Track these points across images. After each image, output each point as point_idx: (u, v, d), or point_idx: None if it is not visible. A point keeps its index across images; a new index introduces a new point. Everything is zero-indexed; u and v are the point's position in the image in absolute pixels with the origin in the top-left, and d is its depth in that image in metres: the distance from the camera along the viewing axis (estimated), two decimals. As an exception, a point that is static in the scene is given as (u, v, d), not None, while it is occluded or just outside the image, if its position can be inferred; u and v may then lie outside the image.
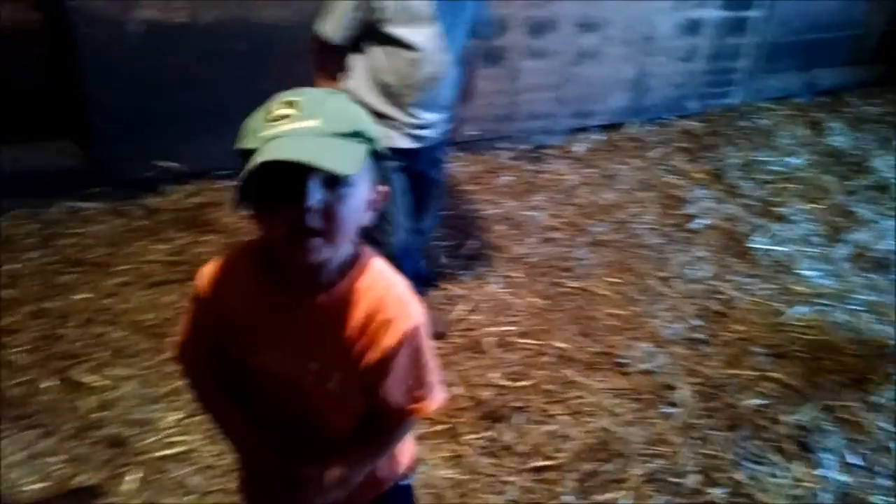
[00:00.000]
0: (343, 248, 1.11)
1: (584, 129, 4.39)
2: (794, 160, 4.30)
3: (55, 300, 2.84)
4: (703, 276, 3.27)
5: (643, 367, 2.74)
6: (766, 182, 4.06)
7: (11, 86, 3.29)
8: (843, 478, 2.33)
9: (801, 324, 3.01)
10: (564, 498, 2.21)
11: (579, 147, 4.27)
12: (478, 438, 2.40)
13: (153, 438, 2.32)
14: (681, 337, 2.91)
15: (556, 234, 3.47)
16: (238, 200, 1.02)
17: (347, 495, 1.27)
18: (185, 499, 2.14)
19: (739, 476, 2.31)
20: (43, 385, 2.48)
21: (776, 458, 2.39)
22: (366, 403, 1.22)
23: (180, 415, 2.38)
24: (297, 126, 1.00)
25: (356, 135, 1.04)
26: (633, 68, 4.41)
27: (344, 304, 1.14)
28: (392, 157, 2.26)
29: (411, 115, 2.32)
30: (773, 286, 3.24)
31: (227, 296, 1.20)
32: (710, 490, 2.26)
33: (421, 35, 2.19)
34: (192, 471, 2.22)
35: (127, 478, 2.18)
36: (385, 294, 1.17)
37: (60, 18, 3.14)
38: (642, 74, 4.46)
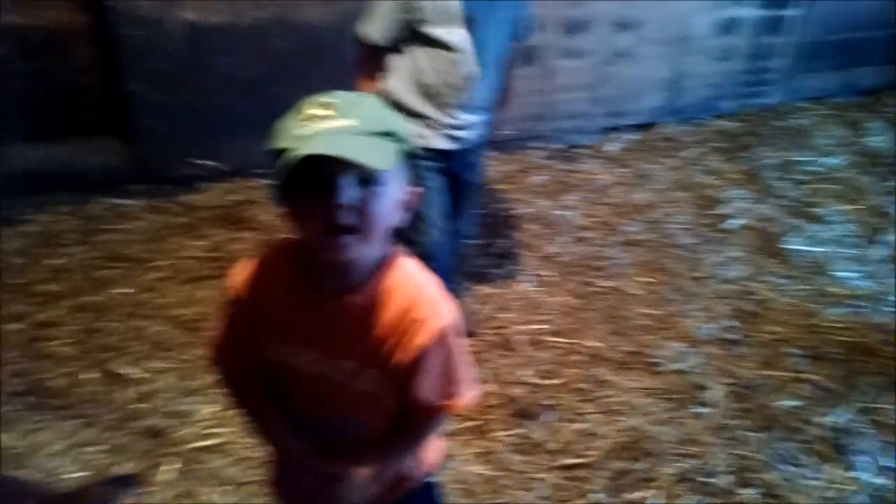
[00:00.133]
0: (375, 246, 1.12)
1: (618, 129, 4.37)
2: (830, 160, 4.24)
3: (95, 294, 2.91)
4: (737, 276, 3.25)
5: (675, 366, 2.73)
6: (802, 182, 4.01)
7: (58, 85, 3.37)
8: (878, 481, 2.30)
9: (836, 325, 2.97)
10: (594, 496, 2.21)
11: (613, 147, 4.25)
12: (508, 435, 2.41)
13: (189, 430, 2.37)
14: (714, 337, 2.89)
15: (589, 234, 3.47)
16: (274, 198, 1.04)
17: (378, 491, 1.29)
18: (220, 489, 2.18)
19: (772, 477, 2.29)
20: (83, 377, 2.54)
21: (809, 459, 2.37)
22: (398, 401, 1.23)
23: (216, 407, 2.43)
24: (332, 125, 1.02)
25: (389, 135, 1.06)
26: (668, 68, 4.39)
27: (376, 303, 1.16)
28: (429, 158, 2.28)
29: (449, 116, 2.32)
30: (809, 287, 3.20)
31: (260, 295, 1.22)
32: (741, 491, 2.25)
33: (459, 35, 2.20)
34: (227, 462, 2.26)
35: (163, 468, 2.23)
36: (417, 293, 1.18)
37: (105, 20, 3.21)
38: (677, 74, 4.43)
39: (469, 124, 2.38)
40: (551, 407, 2.52)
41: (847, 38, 4.93)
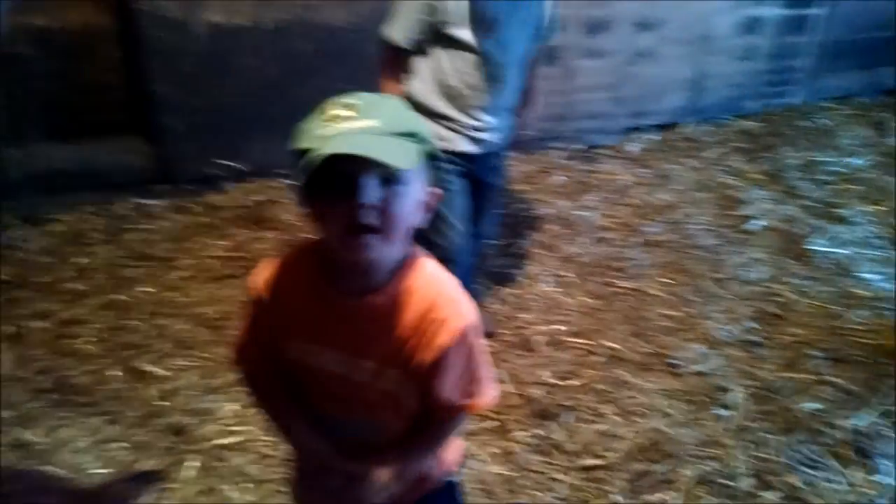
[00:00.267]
0: (397, 246, 1.13)
1: (639, 129, 4.36)
2: (855, 161, 4.20)
3: (120, 293, 2.95)
4: (759, 277, 3.22)
5: (696, 368, 2.72)
6: (826, 183, 3.98)
7: (83, 85, 3.42)
8: (901, 485, 2.28)
9: (860, 327, 2.95)
10: (614, 497, 2.21)
11: (634, 147, 4.24)
12: (528, 436, 2.41)
13: (211, 427, 2.39)
14: (735, 339, 2.87)
15: (609, 234, 3.46)
16: (297, 198, 1.06)
17: (399, 491, 1.30)
18: (241, 486, 2.20)
19: (794, 480, 2.27)
20: (107, 374, 2.57)
21: (832, 463, 2.34)
22: (419, 401, 1.24)
23: (237, 405, 2.45)
24: (354, 125, 1.02)
25: (411, 135, 1.07)
26: (690, 68, 4.36)
27: (397, 303, 1.17)
28: (451, 161, 2.28)
29: (473, 118, 2.31)
30: (831, 289, 3.17)
31: (282, 296, 1.23)
32: (763, 494, 2.23)
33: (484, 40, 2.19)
34: (248, 460, 2.28)
35: (186, 465, 2.25)
36: (438, 293, 1.19)
37: (130, 21, 3.25)
38: (699, 74, 4.41)
39: (492, 126, 2.36)
40: (570, 408, 2.52)
41: (871, 37, 4.88)
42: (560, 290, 3.10)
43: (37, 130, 3.41)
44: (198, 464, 2.26)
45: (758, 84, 4.64)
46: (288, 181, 3.49)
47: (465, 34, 2.18)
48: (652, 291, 3.11)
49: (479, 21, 2.16)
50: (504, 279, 3.14)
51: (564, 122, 4.15)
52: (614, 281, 3.16)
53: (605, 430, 2.44)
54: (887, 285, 3.20)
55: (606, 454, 2.35)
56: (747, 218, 3.64)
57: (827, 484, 2.27)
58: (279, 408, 1.33)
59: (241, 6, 3.26)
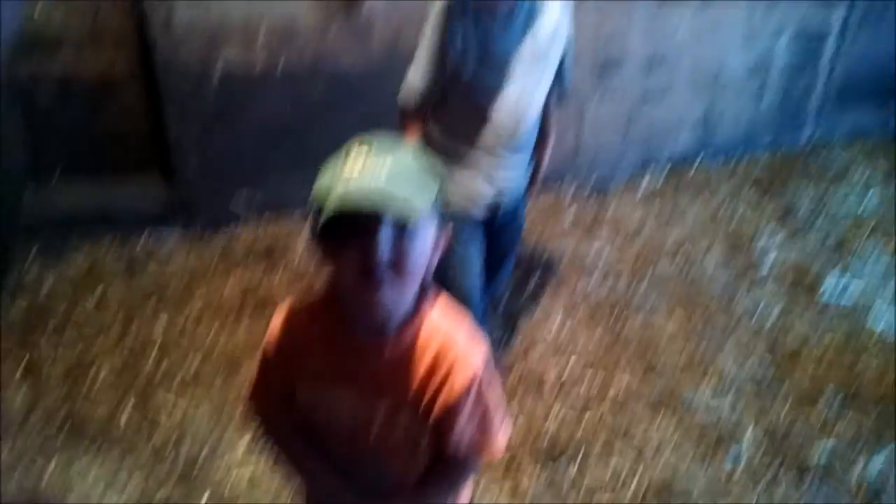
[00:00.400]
0: (410, 289, 1.15)
1: (650, 167, 4.37)
2: (868, 199, 4.20)
3: (135, 329, 2.98)
4: (772, 316, 3.22)
5: (709, 407, 2.71)
6: (839, 221, 3.97)
7: (103, 126, 3.49)
8: (917, 528, 2.26)
9: (875, 368, 2.93)
10: (625, 537, 2.20)
11: (645, 184, 4.25)
12: (539, 472, 2.41)
13: (225, 461, 2.41)
14: (748, 378, 2.87)
15: (621, 272, 3.47)
16: (312, 243, 1.08)
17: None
18: (253, 523, 2.22)
19: (807, 522, 2.26)
20: (124, 407, 2.61)
21: (846, 505, 2.33)
22: (432, 444, 1.25)
23: (250, 441, 2.47)
24: (369, 172, 1.05)
25: (424, 183, 1.09)
26: (702, 106, 4.40)
27: (411, 347, 1.19)
28: (468, 205, 2.27)
29: (489, 165, 2.28)
30: (846, 328, 3.17)
31: (297, 342, 1.25)
32: (775, 535, 2.22)
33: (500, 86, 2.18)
34: (261, 493, 2.30)
35: (199, 500, 2.27)
36: (450, 337, 1.21)
37: (149, 68, 3.34)
38: (711, 112, 4.44)
39: (506, 174, 2.32)
40: (582, 445, 2.52)
41: (884, 74, 4.89)
42: (572, 327, 3.11)
43: (56, 171, 3.48)
44: (211, 497, 2.28)
45: (769, 122, 4.66)
46: (301, 218, 3.54)
47: (478, 80, 2.16)
48: (664, 329, 3.11)
49: (493, 67, 2.15)
50: (516, 317, 3.15)
51: (577, 159, 4.19)
52: (626, 319, 3.16)
53: (617, 468, 2.44)
54: (900, 326, 3.19)
55: (618, 493, 2.34)
56: (760, 256, 3.64)
57: (841, 526, 2.26)
58: (294, 452, 1.35)
59: (257, 53, 3.34)
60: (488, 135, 2.22)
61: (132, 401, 2.64)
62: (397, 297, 1.13)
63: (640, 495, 2.33)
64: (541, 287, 3.35)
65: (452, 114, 2.23)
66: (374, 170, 1.05)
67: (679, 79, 4.24)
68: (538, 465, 2.44)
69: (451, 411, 1.20)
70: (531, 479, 2.38)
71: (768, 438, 2.59)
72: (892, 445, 2.56)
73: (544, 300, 3.26)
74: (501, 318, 3.11)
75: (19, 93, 3.30)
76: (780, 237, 3.81)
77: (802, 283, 3.46)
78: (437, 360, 1.19)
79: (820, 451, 2.53)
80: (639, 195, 4.15)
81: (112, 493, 2.29)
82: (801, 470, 2.45)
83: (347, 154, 1.09)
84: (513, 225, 2.53)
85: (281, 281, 3.29)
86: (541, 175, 2.61)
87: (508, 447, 2.44)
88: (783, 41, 4.40)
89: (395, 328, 1.18)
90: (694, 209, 4.03)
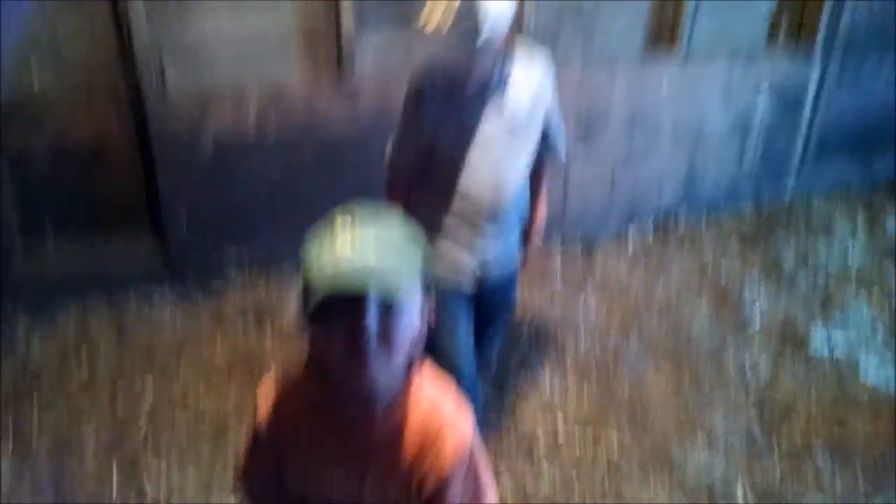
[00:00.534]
0: (397, 366, 1.15)
1: (636, 223, 4.42)
2: (851, 252, 4.25)
3: (125, 392, 2.97)
4: (760, 373, 3.23)
5: (700, 465, 2.70)
6: (824, 276, 4.02)
7: (96, 189, 3.52)
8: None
9: (866, 422, 2.94)
10: None
11: (632, 242, 4.29)
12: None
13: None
14: (739, 435, 2.87)
15: (610, 329, 3.48)
16: (299, 322, 1.09)
17: None
18: None
19: (802, 585, 2.24)
20: (112, 475, 2.57)
21: (840, 565, 2.32)
22: None
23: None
24: (355, 249, 1.06)
25: (409, 253, 1.11)
26: (685, 162, 4.47)
27: (399, 421, 1.19)
28: (452, 276, 2.24)
29: (471, 236, 2.23)
30: (835, 382, 3.18)
31: (285, 418, 1.25)
32: None
33: (474, 161, 2.15)
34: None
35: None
36: (438, 408, 1.21)
37: (141, 130, 3.39)
38: (694, 168, 4.51)
39: (492, 250, 2.28)
40: (574, 509, 2.51)
41: (862, 128, 5.00)
42: (562, 385, 3.11)
43: (47, 233, 3.49)
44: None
45: (752, 176, 4.73)
46: (290, 275, 3.55)
47: (453, 155, 2.14)
48: (653, 387, 3.12)
49: (467, 142, 2.12)
50: (505, 378, 3.14)
51: (562, 217, 4.23)
52: (616, 379, 3.16)
53: (610, 532, 2.42)
54: (889, 379, 3.21)
55: (611, 558, 2.32)
56: (747, 312, 3.66)
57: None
58: None
59: (246, 117, 3.39)
60: (467, 207, 2.19)
61: (121, 461, 2.62)
62: (385, 371, 1.14)
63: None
64: (530, 345, 3.35)
65: (432, 186, 2.21)
66: (360, 247, 1.07)
67: (662, 137, 4.32)
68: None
69: (443, 484, 1.19)
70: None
71: (760, 496, 2.58)
72: (883, 501, 2.55)
73: (534, 358, 3.27)
74: (491, 378, 3.10)
75: (12, 155, 3.32)
76: (766, 291, 3.85)
77: (790, 337, 3.48)
78: (426, 432, 1.19)
79: (812, 509, 2.53)
80: (626, 252, 4.19)
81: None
82: (795, 530, 2.44)
83: (332, 228, 1.10)
84: (504, 293, 2.46)
85: (271, 341, 3.28)
86: (535, 241, 2.54)
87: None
88: (762, 98, 4.50)
89: (383, 402, 1.18)
90: (680, 264, 4.06)
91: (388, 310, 1.08)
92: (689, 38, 4.15)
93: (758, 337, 3.48)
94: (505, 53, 2.11)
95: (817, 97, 4.70)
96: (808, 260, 4.15)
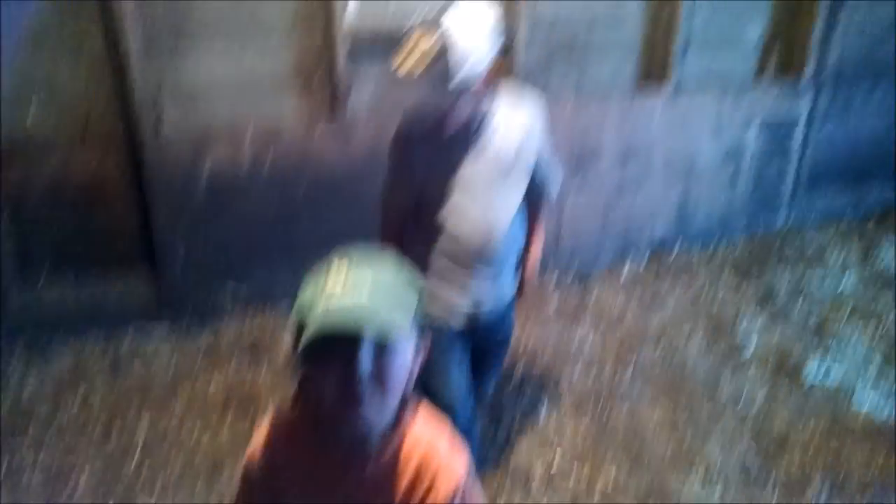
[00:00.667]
0: (390, 406, 1.16)
1: (630, 254, 4.45)
2: (844, 282, 4.27)
3: (119, 429, 2.96)
4: (756, 403, 3.23)
5: (698, 498, 2.70)
6: (817, 305, 4.03)
7: (93, 225, 3.54)
8: None
9: (862, 451, 2.94)
10: None
11: (626, 273, 4.31)
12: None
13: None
14: (736, 467, 2.86)
15: (605, 360, 3.49)
16: (293, 365, 1.10)
17: None
18: None
19: None
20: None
21: None
22: None
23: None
24: (350, 290, 1.08)
25: (404, 301, 1.12)
26: (677, 194, 4.51)
27: (393, 460, 1.19)
28: (446, 316, 2.23)
29: (463, 277, 2.22)
30: (831, 412, 3.18)
31: (278, 457, 1.25)
32: None
33: (461, 204, 2.15)
34: None
35: None
36: (433, 447, 1.22)
37: (138, 168, 3.42)
38: (686, 200, 4.55)
39: (485, 291, 2.27)
40: (571, 544, 2.49)
41: (853, 158, 5.05)
42: (558, 418, 3.11)
43: (43, 270, 3.50)
44: None
45: (744, 208, 4.77)
46: (286, 310, 3.55)
47: (440, 198, 2.14)
48: (649, 420, 3.11)
49: (453, 185, 2.12)
50: (501, 410, 3.14)
51: (556, 249, 4.25)
52: (611, 410, 3.16)
53: (607, 567, 2.40)
54: (885, 407, 3.21)
55: None
56: (741, 342, 3.67)
57: None
58: None
59: (242, 153, 3.43)
60: (458, 249, 2.18)
61: (115, 501, 2.60)
62: (378, 411, 1.14)
63: None
64: (526, 378, 3.35)
65: (424, 227, 2.20)
66: (355, 288, 1.08)
67: (654, 169, 4.36)
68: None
69: None
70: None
71: (758, 530, 2.57)
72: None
73: (530, 391, 3.27)
74: (487, 411, 3.10)
75: (10, 194, 3.35)
76: (761, 321, 3.86)
77: (785, 367, 3.49)
78: (420, 472, 1.20)
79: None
80: (620, 282, 4.21)
81: None
82: (793, 563, 2.43)
83: (328, 270, 1.12)
84: (499, 330, 2.44)
85: (265, 377, 3.28)
86: (530, 277, 2.54)
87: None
88: (753, 130, 4.55)
89: (377, 442, 1.19)
90: (675, 295, 4.08)
91: (382, 350, 1.09)
92: (679, 73, 4.21)
93: (753, 367, 3.49)
94: (486, 96, 2.08)
95: (808, 129, 4.75)
96: (802, 290, 4.17)
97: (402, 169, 2.17)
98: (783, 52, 4.54)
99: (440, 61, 1.89)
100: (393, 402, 1.16)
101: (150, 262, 3.62)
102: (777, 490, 2.76)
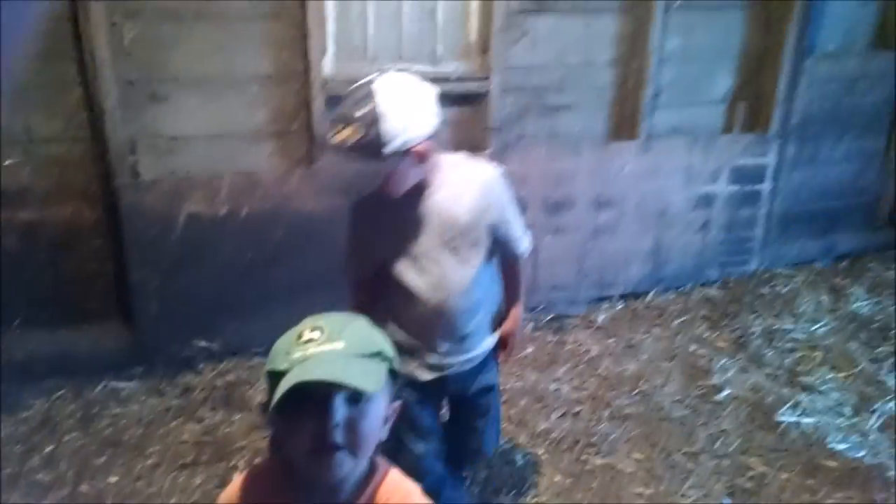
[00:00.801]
0: (362, 461, 1.18)
1: (605, 299, 4.49)
2: (817, 327, 4.32)
3: (89, 482, 2.90)
4: (732, 450, 3.24)
5: (672, 548, 2.69)
6: (791, 350, 4.07)
7: (65, 274, 3.52)
8: None
9: (837, 492, 2.95)
10: None
11: (601, 317, 4.34)
12: None
13: None
14: (710, 515, 2.86)
15: (580, 408, 3.48)
16: (265, 418, 1.12)
17: None
18: None
19: None
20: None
21: None
22: None
23: None
24: (323, 349, 1.11)
25: (376, 355, 1.15)
26: (650, 240, 4.57)
27: None
28: (416, 378, 2.19)
29: (432, 350, 2.20)
30: (805, 460, 3.19)
31: None
32: None
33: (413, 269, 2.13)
34: None
35: None
36: (405, 500, 1.23)
37: (113, 213, 3.42)
38: (659, 246, 4.61)
39: (456, 351, 2.23)
40: None
41: (822, 206, 5.16)
42: (532, 468, 3.09)
43: (15, 319, 3.47)
44: None
45: (716, 253, 4.84)
46: (261, 360, 3.53)
47: (395, 264, 2.13)
48: (624, 468, 3.11)
49: (402, 251, 2.11)
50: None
51: (531, 293, 4.27)
52: (587, 457, 3.15)
53: None
54: (860, 454, 3.23)
55: None
56: (716, 387, 3.69)
57: None
58: None
59: (219, 199, 3.44)
60: (419, 312, 2.14)
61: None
62: (350, 464, 1.16)
63: None
64: (501, 426, 3.33)
65: (387, 291, 2.17)
66: (327, 347, 1.11)
67: (626, 215, 4.43)
68: None
69: None
70: None
71: (734, 578, 2.56)
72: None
73: (504, 439, 3.25)
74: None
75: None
76: (735, 367, 3.88)
77: (761, 409, 3.51)
78: None
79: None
80: (595, 327, 4.23)
81: None
82: None
83: (301, 332, 1.15)
84: (474, 382, 2.37)
85: (239, 427, 3.25)
86: (510, 334, 2.49)
87: None
88: (723, 178, 4.65)
89: (351, 490, 1.20)
90: (649, 341, 4.11)
91: (355, 405, 1.11)
92: (649, 127, 4.33)
93: (728, 412, 3.50)
94: (425, 166, 2.01)
95: (776, 179, 4.85)
96: (774, 335, 4.21)
97: (357, 239, 2.21)
98: (750, 106, 4.67)
99: (371, 129, 1.86)
100: (365, 454, 1.17)
101: (123, 313, 3.60)
102: (753, 537, 2.76)
